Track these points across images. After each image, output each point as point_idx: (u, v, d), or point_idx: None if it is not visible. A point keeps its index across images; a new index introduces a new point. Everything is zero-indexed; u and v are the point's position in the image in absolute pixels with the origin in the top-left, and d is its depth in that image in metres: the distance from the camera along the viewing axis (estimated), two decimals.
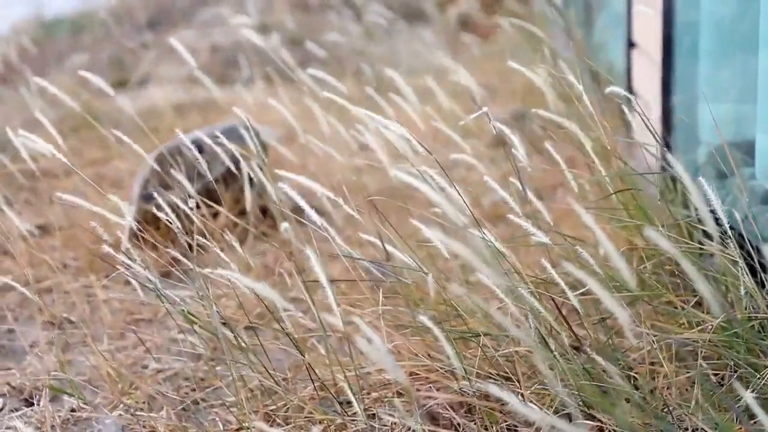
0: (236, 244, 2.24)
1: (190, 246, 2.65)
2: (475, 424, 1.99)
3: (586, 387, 1.81)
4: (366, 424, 1.95)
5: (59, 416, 2.25)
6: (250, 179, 3.31)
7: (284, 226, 1.83)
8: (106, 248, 2.09)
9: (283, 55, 4.42)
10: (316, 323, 2.61)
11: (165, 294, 2.15)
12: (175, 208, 2.61)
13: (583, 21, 4.55)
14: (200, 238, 2.37)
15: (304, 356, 2.06)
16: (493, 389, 1.29)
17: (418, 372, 2.20)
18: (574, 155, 3.21)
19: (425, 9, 6.63)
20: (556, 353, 1.94)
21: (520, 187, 2.21)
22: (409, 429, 1.98)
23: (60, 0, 8.92)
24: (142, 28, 7.79)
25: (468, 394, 2.01)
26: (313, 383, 2.11)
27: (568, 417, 1.91)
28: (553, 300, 1.97)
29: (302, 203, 1.87)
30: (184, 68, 6.32)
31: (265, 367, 2.15)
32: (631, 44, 3.40)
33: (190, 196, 2.53)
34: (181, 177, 2.31)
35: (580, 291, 2.03)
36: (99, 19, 8.06)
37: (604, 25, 4.22)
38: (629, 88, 3.30)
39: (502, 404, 2.06)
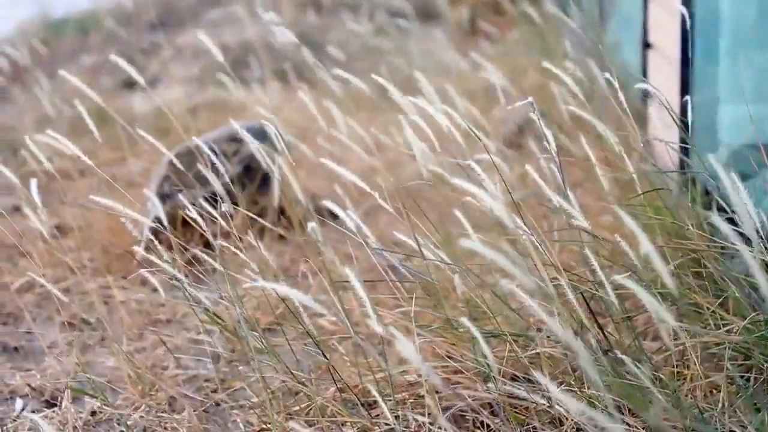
0: (260, 245, 2.24)
1: (207, 245, 2.64)
2: (500, 424, 1.98)
3: (617, 387, 1.80)
4: (394, 425, 1.94)
5: (80, 417, 2.25)
6: (265, 179, 3.31)
7: (311, 225, 1.83)
8: (137, 248, 2.09)
9: (299, 54, 4.40)
10: (337, 324, 2.61)
11: (189, 294, 2.15)
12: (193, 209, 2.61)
13: (596, 22, 4.53)
14: (218, 238, 2.37)
15: (327, 357, 2.06)
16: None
17: (439, 373, 2.20)
18: (597, 154, 3.20)
19: (437, 8, 6.62)
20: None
21: (543, 186, 2.20)
22: (438, 429, 1.98)
23: (65, 0, 8.91)
24: (150, 29, 7.79)
25: (494, 395, 2.00)
26: (336, 384, 2.10)
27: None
28: (584, 299, 1.96)
29: (336, 208, 1.87)
30: (194, 68, 6.32)
31: (288, 368, 2.15)
32: (647, 45, 3.39)
33: (216, 197, 2.53)
34: (209, 174, 2.30)
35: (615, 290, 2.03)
36: (106, 19, 8.06)
37: (617, 26, 4.21)
38: (645, 90, 3.29)
39: (526, 406, 2.06)
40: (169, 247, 2.61)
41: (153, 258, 2.12)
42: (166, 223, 2.78)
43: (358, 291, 1.71)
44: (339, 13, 6.99)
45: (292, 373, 2.12)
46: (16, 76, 6.31)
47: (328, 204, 1.93)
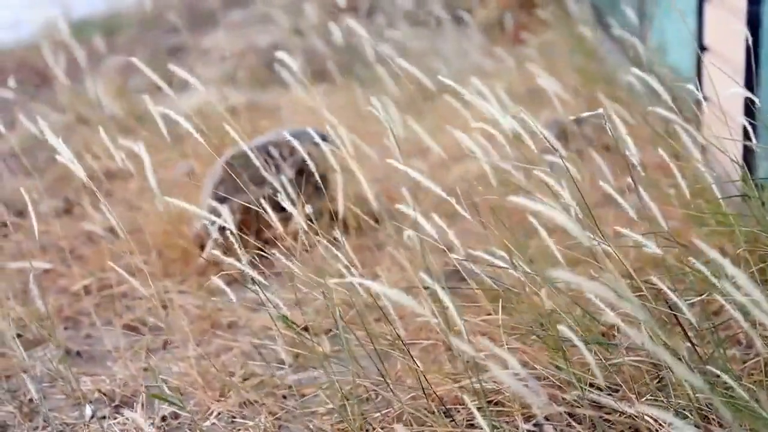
0: (346, 246, 2.22)
1: (266, 242, 2.62)
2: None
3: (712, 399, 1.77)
4: None
5: (153, 423, 2.23)
6: (320, 182, 3.28)
7: (407, 234, 1.81)
8: (207, 250, 2.07)
9: (333, 56, 4.37)
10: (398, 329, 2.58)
11: (265, 296, 2.12)
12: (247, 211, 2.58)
13: (637, 22, 4.50)
14: (286, 240, 2.34)
15: (417, 364, 2.03)
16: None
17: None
18: (645, 158, 3.18)
19: (470, 9, 6.60)
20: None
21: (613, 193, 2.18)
22: None
23: (85, 2, 8.90)
24: (173, 30, 7.77)
25: (580, 404, 1.98)
26: (424, 391, 2.07)
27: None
28: (671, 309, 1.94)
29: (419, 216, 1.85)
30: (223, 69, 6.29)
31: (363, 374, 2.13)
32: (702, 48, 3.36)
33: (272, 199, 2.51)
34: (288, 170, 2.28)
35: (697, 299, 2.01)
36: (132, 21, 8.04)
37: (663, 27, 4.18)
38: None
39: (608, 413, 2.03)
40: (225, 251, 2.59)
41: (226, 260, 2.09)
42: (231, 226, 2.76)
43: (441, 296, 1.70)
44: (367, 15, 6.96)
45: (381, 375, 2.08)
46: (44, 78, 6.30)
47: (408, 211, 1.90)
